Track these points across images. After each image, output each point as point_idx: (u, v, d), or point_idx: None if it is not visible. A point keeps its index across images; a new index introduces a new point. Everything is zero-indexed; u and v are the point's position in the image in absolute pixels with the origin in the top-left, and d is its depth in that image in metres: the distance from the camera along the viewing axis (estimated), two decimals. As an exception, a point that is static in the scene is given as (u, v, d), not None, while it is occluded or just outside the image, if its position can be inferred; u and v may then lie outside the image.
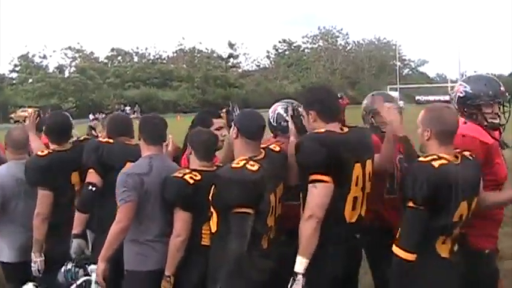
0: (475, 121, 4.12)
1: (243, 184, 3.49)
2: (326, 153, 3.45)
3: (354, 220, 3.63)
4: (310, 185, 3.48)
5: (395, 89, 76.27)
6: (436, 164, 3.23)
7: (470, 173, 3.42)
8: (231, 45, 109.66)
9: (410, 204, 3.23)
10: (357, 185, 3.60)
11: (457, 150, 3.53)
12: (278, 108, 4.54)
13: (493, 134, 4.11)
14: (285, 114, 4.42)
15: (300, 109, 4.05)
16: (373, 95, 4.61)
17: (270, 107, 4.60)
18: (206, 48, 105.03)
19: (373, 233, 4.10)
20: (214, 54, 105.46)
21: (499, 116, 4.15)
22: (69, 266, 4.51)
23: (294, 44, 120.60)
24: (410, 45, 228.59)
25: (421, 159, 3.35)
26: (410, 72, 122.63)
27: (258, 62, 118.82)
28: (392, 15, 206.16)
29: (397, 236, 3.30)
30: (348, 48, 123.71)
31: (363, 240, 3.84)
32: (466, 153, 3.54)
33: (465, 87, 4.22)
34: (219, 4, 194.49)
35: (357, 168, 3.59)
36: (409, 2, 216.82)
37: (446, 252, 3.36)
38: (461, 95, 4.22)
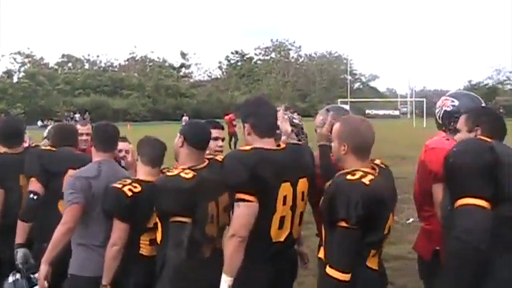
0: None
1: (175, 192, 3.51)
2: (248, 172, 3.35)
3: (281, 239, 3.52)
4: (235, 204, 3.40)
5: (346, 103, 77.06)
6: (366, 181, 3.10)
7: (390, 183, 3.38)
8: (183, 55, 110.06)
9: (343, 224, 3.06)
10: (284, 204, 3.49)
11: (371, 161, 3.45)
12: None
13: None
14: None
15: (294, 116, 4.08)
16: (327, 109, 4.40)
17: (221, 118, 4.54)
18: (158, 57, 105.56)
19: None
20: (166, 64, 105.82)
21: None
22: (17, 276, 4.49)
23: (247, 56, 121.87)
24: (361, 60, 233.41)
25: (348, 177, 3.16)
26: (361, 86, 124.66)
27: (210, 72, 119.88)
28: (345, 29, 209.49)
29: (326, 256, 3.20)
30: (300, 61, 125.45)
31: (294, 259, 3.84)
32: (378, 161, 3.48)
33: (453, 101, 4.20)
34: (172, 13, 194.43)
35: (285, 187, 3.48)
36: (362, 17, 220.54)
37: (376, 264, 3.27)
38: (448, 109, 4.20)
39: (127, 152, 5.11)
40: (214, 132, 4.22)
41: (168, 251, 3.54)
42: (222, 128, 4.51)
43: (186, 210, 3.52)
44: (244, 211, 3.35)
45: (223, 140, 4.48)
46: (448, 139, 4.01)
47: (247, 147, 3.54)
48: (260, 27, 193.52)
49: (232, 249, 3.34)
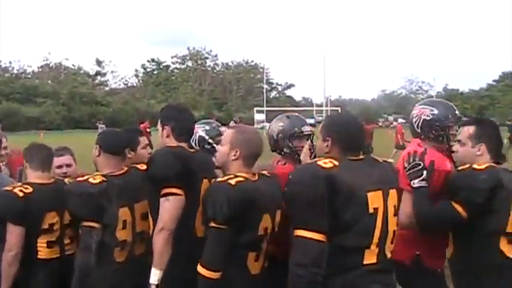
0: (439, 143, 4.16)
1: (81, 196, 3.58)
2: (179, 166, 3.51)
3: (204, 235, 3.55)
4: (162, 199, 3.49)
5: (262, 112, 77.53)
6: (232, 182, 3.19)
7: (270, 188, 3.40)
8: (98, 63, 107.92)
9: (212, 224, 3.18)
10: None
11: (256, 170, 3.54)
12: (199, 130, 4.59)
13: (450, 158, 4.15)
14: (207, 137, 4.52)
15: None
16: (288, 117, 4.43)
17: (136, 126, 4.56)
18: (73, 65, 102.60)
19: None
20: (81, 71, 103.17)
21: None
22: None
23: (163, 64, 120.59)
24: (277, 69, 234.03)
25: (218, 179, 3.32)
26: (277, 95, 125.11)
27: (126, 80, 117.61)
28: (261, 38, 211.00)
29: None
30: (217, 69, 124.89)
31: None
32: (264, 172, 3.57)
33: (432, 110, 4.22)
34: (87, 20, 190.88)
35: (205, 183, 3.63)
36: (278, 26, 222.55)
37: (257, 269, 3.34)
38: (427, 118, 4.22)
39: (68, 165, 4.80)
40: (142, 140, 4.36)
41: (77, 255, 3.64)
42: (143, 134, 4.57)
43: (93, 215, 3.58)
44: (172, 204, 3.47)
45: (151, 146, 4.60)
46: (420, 145, 4.08)
47: (174, 145, 3.72)
48: (177, 36, 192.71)
49: (161, 242, 3.44)
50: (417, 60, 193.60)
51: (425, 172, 3.59)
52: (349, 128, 3.27)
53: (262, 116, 75.93)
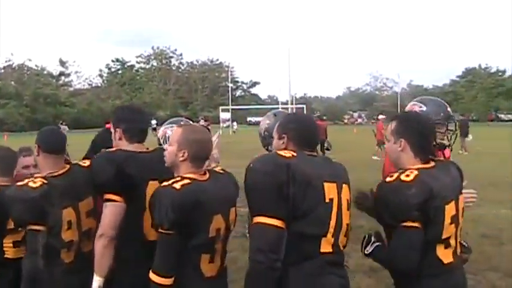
0: None
1: (23, 202, 3.49)
2: (114, 171, 3.44)
3: (155, 239, 3.44)
4: (104, 204, 3.48)
5: (228, 110, 77.59)
6: (177, 185, 3.12)
7: (222, 186, 3.37)
8: (62, 63, 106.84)
9: (160, 230, 3.12)
10: None
11: (210, 168, 3.50)
12: (167, 131, 4.60)
13: (439, 153, 4.15)
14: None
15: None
16: (274, 114, 4.41)
17: (101, 127, 4.44)
18: (36, 65, 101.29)
19: None
20: (45, 72, 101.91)
21: (447, 137, 4.25)
22: None
23: (128, 64, 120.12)
24: (242, 66, 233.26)
25: (163, 183, 3.20)
26: (242, 93, 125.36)
27: (90, 80, 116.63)
28: (225, 37, 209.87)
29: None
30: (182, 68, 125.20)
31: None
32: (217, 169, 3.55)
33: (421, 107, 4.30)
34: (50, 20, 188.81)
35: (152, 185, 3.48)
36: (241, 24, 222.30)
37: (213, 271, 3.29)
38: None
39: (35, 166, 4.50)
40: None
41: (24, 260, 3.54)
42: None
43: (37, 219, 3.49)
44: (111, 211, 3.44)
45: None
46: None
47: (114, 149, 3.71)
48: (141, 35, 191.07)
49: (101, 249, 3.41)
50: (381, 56, 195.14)
51: (372, 237, 3.44)
52: (304, 126, 3.36)
53: (227, 115, 76.03)
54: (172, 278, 3.12)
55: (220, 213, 3.27)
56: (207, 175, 3.36)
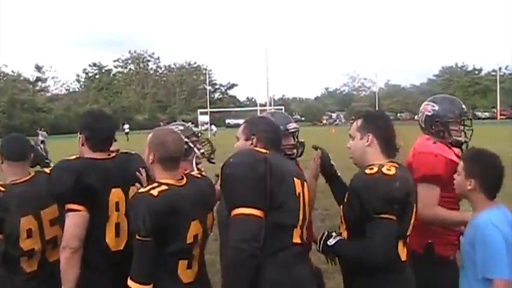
0: (441, 138, 4.23)
1: None
2: (74, 181, 3.37)
3: (121, 248, 3.55)
4: (66, 215, 3.41)
5: (206, 113, 77.58)
6: (155, 192, 3.11)
7: (198, 191, 3.37)
8: (38, 68, 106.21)
9: (137, 237, 3.09)
10: (117, 210, 3.55)
11: (186, 172, 3.49)
12: None
13: (456, 151, 4.20)
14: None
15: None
16: (272, 115, 4.37)
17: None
18: (12, 71, 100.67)
19: None
20: (21, 78, 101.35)
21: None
22: None
23: (105, 68, 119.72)
24: (220, 69, 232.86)
25: (141, 190, 3.21)
26: (220, 96, 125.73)
27: (68, 85, 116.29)
28: (202, 39, 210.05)
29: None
30: (159, 72, 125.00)
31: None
32: (194, 173, 3.55)
33: (433, 106, 4.35)
34: (25, 25, 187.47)
35: (116, 193, 3.53)
36: (218, 26, 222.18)
37: (191, 277, 3.29)
38: (429, 113, 4.36)
39: None
40: None
41: None
42: None
43: None
44: (73, 221, 3.37)
45: None
46: (434, 142, 4.19)
47: (73, 157, 3.58)
48: (118, 39, 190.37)
49: (65, 261, 3.35)
50: (358, 57, 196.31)
51: (333, 233, 3.45)
52: (272, 128, 3.50)
53: (206, 118, 76.01)
54: (151, 285, 3.12)
55: (197, 219, 3.28)
56: (184, 180, 3.36)
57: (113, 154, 3.77)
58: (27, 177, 3.78)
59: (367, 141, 3.44)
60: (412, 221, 3.35)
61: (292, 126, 4.29)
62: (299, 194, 3.22)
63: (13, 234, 3.55)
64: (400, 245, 3.30)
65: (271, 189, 3.06)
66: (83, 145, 3.68)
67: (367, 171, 3.25)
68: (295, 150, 4.24)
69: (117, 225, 3.54)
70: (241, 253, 2.93)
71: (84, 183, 3.39)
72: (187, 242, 3.20)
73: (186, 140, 3.94)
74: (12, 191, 3.61)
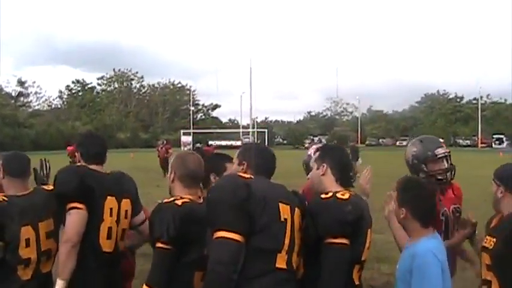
0: (427, 178, 4.30)
1: None
2: (78, 181, 3.72)
3: (111, 250, 3.88)
4: (67, 214, 3.69)
5: (189, 134, 77.57)
6: (179, 202, 3.38)
7: None
8: (21, 83, 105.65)
9: (158, 244, 3.27)
10: (111, 216, 3.89)
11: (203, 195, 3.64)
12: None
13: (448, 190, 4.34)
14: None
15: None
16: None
17: (61, 148, 4.76)
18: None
19: None
20: (3, 92, 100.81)
21: (447, 171, 4.38)
22: None
23: (88, 85, 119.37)
24: (203, 89, 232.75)
25: (165, 200, 3.44)
26: (203, 116, 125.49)
27: (50, 102, 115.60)
28: (187, 60, 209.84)
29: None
30: (143, 91, 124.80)
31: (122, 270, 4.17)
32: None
33: (413, 149, 4.54)
34: (8, 39, 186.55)
35: (111, 200, 3.90)
36: (202, 47, 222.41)
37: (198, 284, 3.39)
38: (410, 157, 4.49)
39: None
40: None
41: None
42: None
43: None
44: (76, 217, 3.69)
45: None
46: None
47: (78, 164, 4.07)
48: (103, 57, 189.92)
49: (65, 253, 3.63)
50: (341, 81, 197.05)
51: None
52: (263, 155, 3.60)
53: (189, 138, 76.00)
54: None
55: None
56: (201, 200, 3.58)
57: (108, 171, 4.10)
58: (27, 192, 3.97)
59: (322, 170, 3.61)
60: (366, 247, 3.45)
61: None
62: (285, 219, 3.25)
63: (14, 242, 3.70)
64: (356, 269, 3.42)
65: (253, 213, 3.11)
66: (79, 161, 4.09)
67: (323, 195, 3.39)
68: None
69: (110, 228, 3.87)
70: (218, 276, 2.98)
71: (86, 184, 3.75)
72: (205, 253, 3.27)
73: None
74: (14, 201, 3.79)
